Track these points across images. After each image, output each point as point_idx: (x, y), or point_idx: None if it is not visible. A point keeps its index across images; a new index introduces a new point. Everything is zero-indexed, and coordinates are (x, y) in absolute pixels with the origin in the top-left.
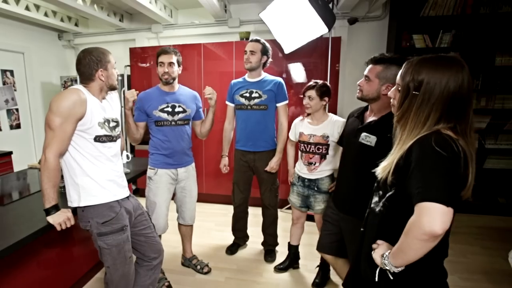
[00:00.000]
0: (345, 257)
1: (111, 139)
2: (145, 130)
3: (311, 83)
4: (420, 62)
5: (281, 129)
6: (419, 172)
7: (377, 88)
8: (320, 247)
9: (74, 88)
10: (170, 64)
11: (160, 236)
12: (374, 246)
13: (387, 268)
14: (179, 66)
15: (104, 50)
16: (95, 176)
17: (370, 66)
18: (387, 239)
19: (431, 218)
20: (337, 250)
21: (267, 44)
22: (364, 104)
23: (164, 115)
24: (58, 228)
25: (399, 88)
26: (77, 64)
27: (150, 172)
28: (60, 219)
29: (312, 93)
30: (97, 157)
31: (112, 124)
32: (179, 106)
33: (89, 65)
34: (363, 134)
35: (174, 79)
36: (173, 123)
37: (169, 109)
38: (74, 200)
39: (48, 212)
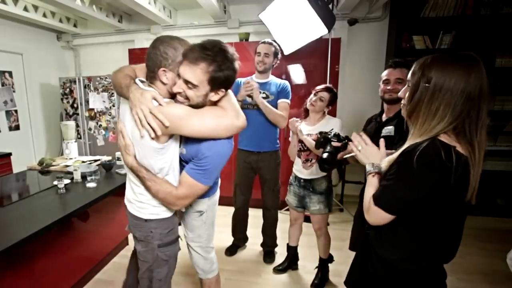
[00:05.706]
0: None
1: None
2: None
3: (328, 85)
4: (432, 60)
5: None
6: (392, 176)
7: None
8: (352, 246)
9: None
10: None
11: None
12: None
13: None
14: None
15: (180, 44)
16: None
17: (397, 69)
18: (389, 235)
19: (375, 219)
20: None
21: (278, 46)
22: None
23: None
24: None
25: (409, 85)
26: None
27: None
28: None
29: (326, 96)
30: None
31: None
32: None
33: (153, 60)
34: (384, 129)
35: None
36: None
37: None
38: (140, 209)
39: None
